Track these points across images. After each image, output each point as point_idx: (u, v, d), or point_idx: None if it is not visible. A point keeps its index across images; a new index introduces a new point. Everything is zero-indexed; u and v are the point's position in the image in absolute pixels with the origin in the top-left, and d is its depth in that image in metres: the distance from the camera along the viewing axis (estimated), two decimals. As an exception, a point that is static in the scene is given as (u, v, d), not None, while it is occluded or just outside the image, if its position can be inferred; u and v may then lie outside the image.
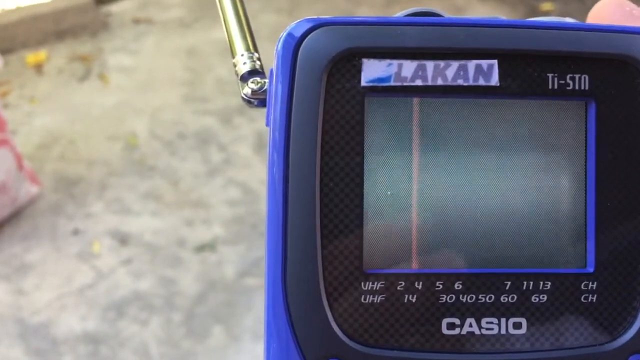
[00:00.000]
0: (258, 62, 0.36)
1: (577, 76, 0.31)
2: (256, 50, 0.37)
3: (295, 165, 0.30)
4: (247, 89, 0.35)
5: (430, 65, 0.31)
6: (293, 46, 0.31)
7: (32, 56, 2.63)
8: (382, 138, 0.31)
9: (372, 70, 0.31)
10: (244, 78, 0.35)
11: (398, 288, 0.31)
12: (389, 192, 0.31)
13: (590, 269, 0.31)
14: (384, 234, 0.31)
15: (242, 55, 0.36)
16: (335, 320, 0.30)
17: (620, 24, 0.33)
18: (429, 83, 0.31)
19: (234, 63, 0.36)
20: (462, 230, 0.31)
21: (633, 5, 0.34)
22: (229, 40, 0.37)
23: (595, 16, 0.34)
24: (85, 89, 2.52)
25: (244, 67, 0.36)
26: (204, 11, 2.84)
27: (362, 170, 0.31)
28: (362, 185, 0.31)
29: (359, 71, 0.31)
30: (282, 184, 0.30)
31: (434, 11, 0.35)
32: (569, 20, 0.35)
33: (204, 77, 2.52)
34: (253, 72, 0.35)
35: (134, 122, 2.34)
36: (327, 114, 0.31)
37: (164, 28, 2.82)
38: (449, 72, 0.31)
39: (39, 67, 2.60)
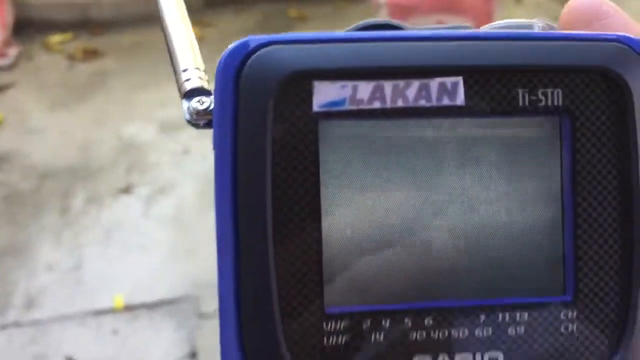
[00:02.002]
0: (203, 79, 0.32)
1: (549, 91, 0.29)
2: (201, 65, 0.33)
3: (244, 204, 0.27)
4: (191, 107, 0.30)
5: (388, 85, 0.28)
6: (234, 69, 0.27)
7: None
8: (338, 167, 0.28)
9: (325, 94, 0.28)
10: (188, 96, 0.31)
11: (363, 327, 0.28)
12: (347, 231, 0.28)
13: (569, 297, 0.29)
14: (345, 269, 0.28)
15: (184, 70, 0.32)
16: None
17: (594, 22, 0.31)
18: (388, 105, 0.28)
19: (176, 80, 0.32)
20: (431, 262, 0.29)
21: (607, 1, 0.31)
22: (170, 55, 0.33)
23: (568, 15, 0.31)
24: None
25: (187, 84, 0.32)
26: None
27: (318, 203, 0.28)
28: (320, 219, 0.28)
29: (310, 95, 0.28)
30: (231, 222, 0.27)
31: (392, 23, 0.31)
32: (537, 22, 0.31)
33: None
34: (197, 91, 0.31)
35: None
36: (277, 144, 0.27)
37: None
38: (410, 92, 0.28)
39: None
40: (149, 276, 1.92)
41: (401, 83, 0.28)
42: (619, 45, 0.29)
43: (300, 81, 0.28)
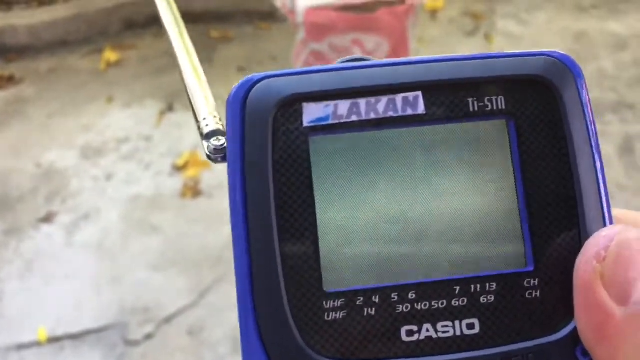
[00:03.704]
0: (219, 123, 0.39)
1: (493, 98, 0.35)
2: (216, 112, 0.40)
3: (253, 203, 0.33)
4: (210, 146, 0.38)
5: (362, 102, 0.34)
6: (242, 97, 0.34)
7: (430, 1, 2.86)
8: (327, 170, 0.34)
9: (312, 112, 0.34)
10: (208, 136, 0.38)
11: (357, 303, 0.33)
12: (339, 222, 0.34)
13: (530, 268, 0.34)
14: (339, 255, 0.34)
15: (204, 118, 0.39)
16: (303, 338, 0.33)
17: None
18: (363, 118, 0.34)
19: (198, 126, 0.40)
20: (412, 246, 0.34)
21: None
22: (192, 106, 0.41)
23: None
24: (469, 43, 2.66)
25: (207, 128, 0.39)
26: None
27: (313, 201, 0.34)
28: (315, 213, 0.34)
29: (301, 114, 0.34)
30: (243, 219, 0.33)
31: (363, 57, 0.38)
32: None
33: (585, 65, 2.54)
34: (215, 132, 0.38)
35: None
36: (276, 153, 0.34)
37: (560, 6, 2.90)
38: (380, 106, 0.34)
39: (434, 13, 2.81)
40: (73, 306, 1.87)
41: (372, 99, 0.34)
42: (549, 58, 0.35)
43: (292, 103, 0.34)
